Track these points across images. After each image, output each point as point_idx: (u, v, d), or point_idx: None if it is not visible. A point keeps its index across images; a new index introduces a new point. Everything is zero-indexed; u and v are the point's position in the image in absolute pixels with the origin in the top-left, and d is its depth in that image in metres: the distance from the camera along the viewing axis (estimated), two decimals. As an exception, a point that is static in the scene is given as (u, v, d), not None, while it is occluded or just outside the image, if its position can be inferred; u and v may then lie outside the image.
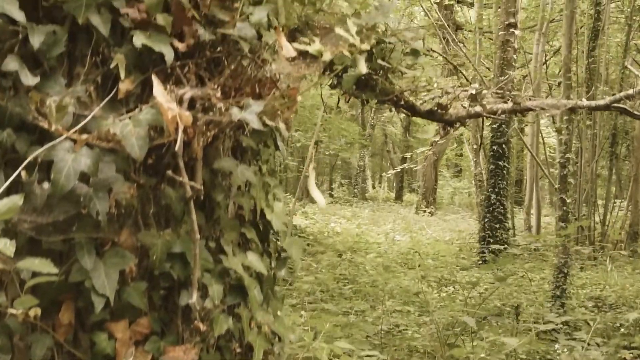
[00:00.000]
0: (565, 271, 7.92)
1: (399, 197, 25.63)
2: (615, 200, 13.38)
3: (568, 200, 8.29)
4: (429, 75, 2.19)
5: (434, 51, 14.38)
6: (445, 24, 14.37)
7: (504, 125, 10.53)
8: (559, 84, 15.87)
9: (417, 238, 13.70)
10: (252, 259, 1.70)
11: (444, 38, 16.80)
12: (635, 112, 2.43)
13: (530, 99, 2.65)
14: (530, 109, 2.51)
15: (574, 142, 12.91)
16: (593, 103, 2.77)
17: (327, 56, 1.34)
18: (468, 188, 24.62)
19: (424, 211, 18.53)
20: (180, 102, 1.21)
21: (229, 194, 1.60)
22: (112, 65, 1.25)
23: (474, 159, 14.68)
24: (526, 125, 18.99)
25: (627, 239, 12.65)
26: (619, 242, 12.81)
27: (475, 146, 14.42)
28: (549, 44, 17.10)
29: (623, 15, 16.27)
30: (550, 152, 20.40)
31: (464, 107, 2.34)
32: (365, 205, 21.54)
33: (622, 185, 15.12)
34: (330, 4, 2.15)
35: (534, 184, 13.24)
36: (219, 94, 1.25)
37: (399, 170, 17.29)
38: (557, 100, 2.90)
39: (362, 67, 1.34)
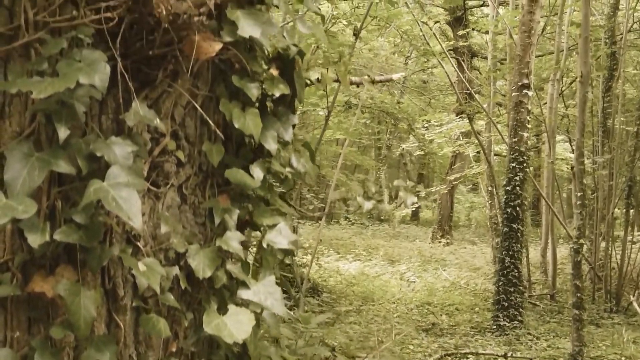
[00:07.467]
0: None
1: (415, 215, 25.53)
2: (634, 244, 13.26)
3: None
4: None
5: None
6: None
7: (517, 188, 10.44)
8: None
9: (431, 284, 13.73)
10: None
11: (458, 65, 16.63)
12: None
13: None
14: None
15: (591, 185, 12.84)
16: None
17: None
18: (485, 204, 24.43)
19: (440, 242, 18.47)
20: None
21: None
22: None
23: (489, 202, 14.62)
24: (543, 143, 18.80)
25: (644, 288, 12.53)
26: (637, 289, 12.68)
27: (490, 188, 14.35)
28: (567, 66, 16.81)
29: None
30: (566, 167, 20.15)
31: None
32: (380, 229, 21.53)
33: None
34: None
35: (549, 230, 13.14)
36: None
37: (414, 208, 17.24)
38: None
39: None
